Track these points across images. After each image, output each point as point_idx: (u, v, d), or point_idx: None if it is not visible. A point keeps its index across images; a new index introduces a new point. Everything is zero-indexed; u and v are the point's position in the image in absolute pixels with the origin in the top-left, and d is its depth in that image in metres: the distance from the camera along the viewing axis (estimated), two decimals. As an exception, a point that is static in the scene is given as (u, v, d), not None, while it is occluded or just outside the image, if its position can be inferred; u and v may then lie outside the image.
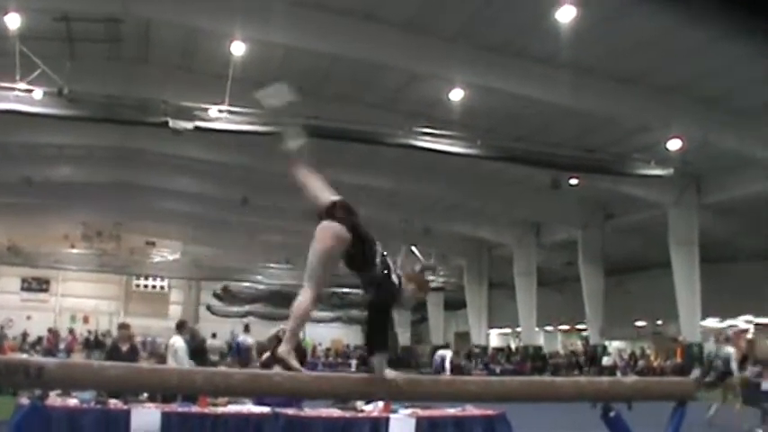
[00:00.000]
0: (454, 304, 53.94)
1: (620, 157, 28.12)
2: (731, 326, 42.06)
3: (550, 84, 23.47)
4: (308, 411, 9.99)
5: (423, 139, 25.76)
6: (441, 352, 27.39)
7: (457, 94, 24.64)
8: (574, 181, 31.63)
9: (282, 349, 5.82)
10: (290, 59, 23.73)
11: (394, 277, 5.97)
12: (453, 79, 23.87)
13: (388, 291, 5.90)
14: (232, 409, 10.42)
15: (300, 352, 14.10)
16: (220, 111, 23.55)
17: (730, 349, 19.44)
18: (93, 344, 40.94)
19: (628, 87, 24.48)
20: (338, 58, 23.28)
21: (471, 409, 10.59)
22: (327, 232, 5.93)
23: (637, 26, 20.80)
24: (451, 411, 10.54)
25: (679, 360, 33.99)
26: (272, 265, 54.35)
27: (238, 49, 22.31)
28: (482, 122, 26.67)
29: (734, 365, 18.97)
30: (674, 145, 27.27)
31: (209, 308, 59.26)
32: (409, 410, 10.19)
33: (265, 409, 10.06)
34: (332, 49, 22.35)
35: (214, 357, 27.03)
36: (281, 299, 57.84)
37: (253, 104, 23.69)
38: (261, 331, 53.93)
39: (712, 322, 39.01)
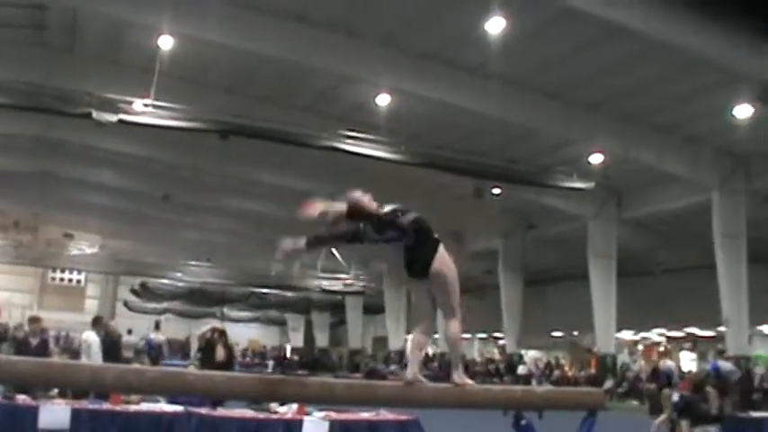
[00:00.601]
0: (373, 309, 54.07)
1: (543, 169, 28.42)
2: (644, 338, 42.90)
3: (478, 93, 23.61)
4: (222, 411, 9.93)
5: (347, 143, 25.69)
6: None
7: (383, 99, 24.60)
8: (497, 190, 31.84)
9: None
10: (219, 56, 23.57)
11: None
12: (380, 84, 23.86)
13: None
14: (145, 407, 10.29)
15: (229, 350, 14.17)
16: (146, 105, 23.18)
17: (671, 363, 19.81)
18: (3, 337, 40.09)
19: (553, 101, 24.74)
20: (267, 57, 23.12)
21: (385, 414, 10.61)
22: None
23: (563, 41, 21.09)
24: (365, 415, 10.54)
25: (593, 370, 34.46)
26: (192, 262, 53.90)
27: (166, 43, 21.99)
28: (407, 128, 26.71)
29: (676, 379, 19.29)
30: (596, 159, 27.67)
31: (126, 304, 58.57)
32: (323, 413, 10.17)
33: (178, 408, 9.95)
34: (261, 49, 22.16)
35: (129, 354, 26.71)
36: (200, 296, 57.59)
37: (179, 100, 23.51)
38: (180, 329, 53.51)
39: (627, 334, 39.64)
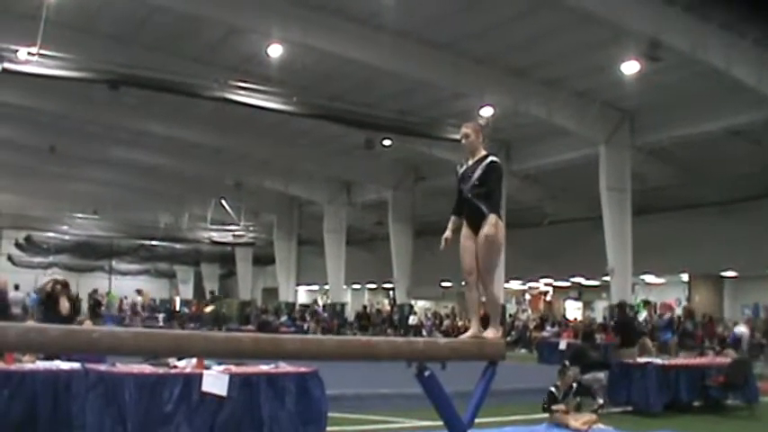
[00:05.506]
0: (263, 260, 54.00)
1: (433, 121, 28.61)
2: (531, 288, 43.75)
3: (369, 45, 23.66)
4: (120, 367, 9.78)
5: (238, 94, 25.52)
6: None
7: (275, 50, 24.47)
8: (387, 142, 32.00)
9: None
10: (109, 4, 23.03)
11: None
12: (272, 35, 23.68)
13: None
14: (40, 365, 10.08)
15: (72, 303, 13.85)
16: (31, 54, 22.54)
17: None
18: None
19: (445, 54, 24.90)
20: (158, 6, 22.65)
21: (285, 366, 10.60)
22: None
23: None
24: (265, 368, 10.52)
25: (482, 320, 34.99)
26: (78, 215, 52.79)
27: (52, -11, 21.37)
28: (299, 79, 26.63)
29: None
30: (487, 112, 27.92)
31: (10, 258, 57.13)
32: (222, 367, 10.11)
33: (75, 366, 9.76)
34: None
35: (17, 310, 26.23)
36: (88, 250, 56.57)
37: (67, 49, 22.87)
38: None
39: (515, 284, 40.35)
